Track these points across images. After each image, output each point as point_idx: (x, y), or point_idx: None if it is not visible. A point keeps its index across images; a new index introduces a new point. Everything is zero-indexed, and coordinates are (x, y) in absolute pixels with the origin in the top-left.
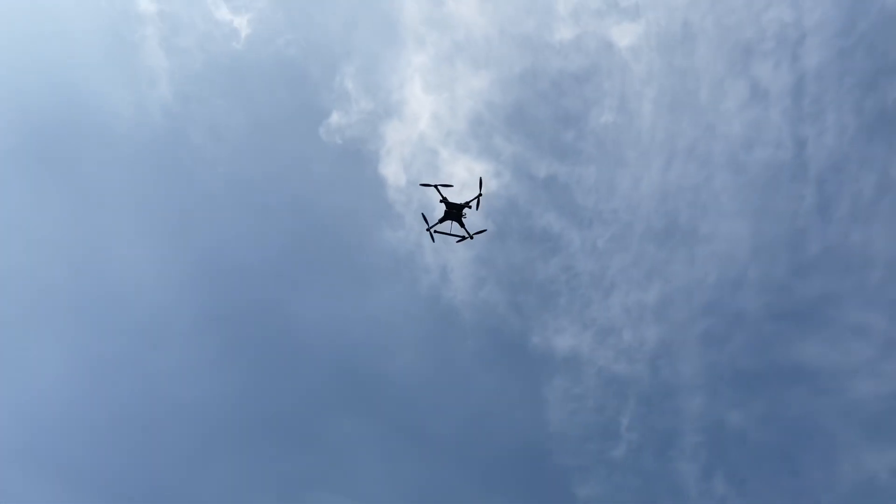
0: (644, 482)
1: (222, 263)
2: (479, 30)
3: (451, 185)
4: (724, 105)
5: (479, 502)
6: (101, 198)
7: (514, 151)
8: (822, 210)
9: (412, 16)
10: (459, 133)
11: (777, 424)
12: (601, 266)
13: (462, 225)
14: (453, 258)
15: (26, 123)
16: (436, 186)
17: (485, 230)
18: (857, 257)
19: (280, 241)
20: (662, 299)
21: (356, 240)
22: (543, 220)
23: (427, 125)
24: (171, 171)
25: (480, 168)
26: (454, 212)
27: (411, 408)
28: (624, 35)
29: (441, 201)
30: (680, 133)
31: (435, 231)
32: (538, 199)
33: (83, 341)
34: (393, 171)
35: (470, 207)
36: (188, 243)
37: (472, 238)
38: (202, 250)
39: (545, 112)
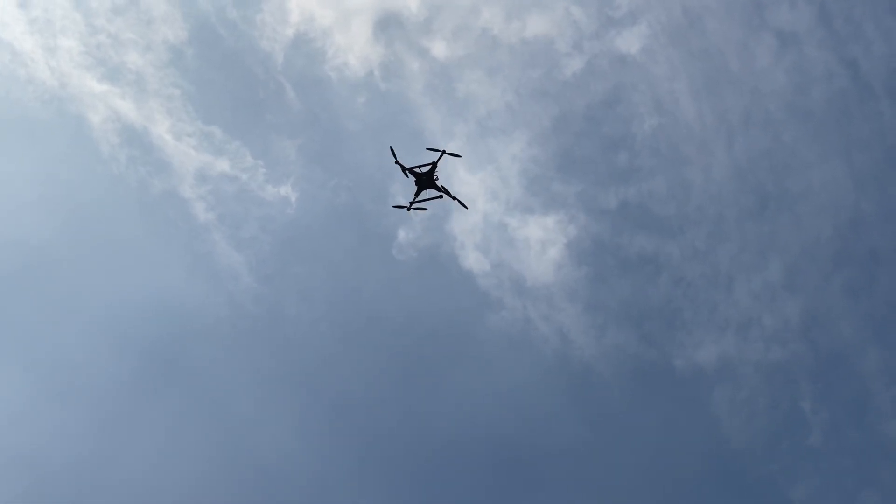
0: (855, 458)
1: (361, 409)
2: (496, 100)
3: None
4: (758, 64)
5: None
6: (232, 391)
7: (576, 192)
8: None
9: (433, 117)
10: (518, 198)
11: None
12: (711, 265)
13: (437, 188)
14: (565, 319)
15: (142, 349)
16: (397, 162)
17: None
18: None
19: (398, 363)
20: (788, 271)
21: (468, 336)
22: (635, 246)
23: (486, 205)
24: (280, 348)
25: (552, 221)
26: (424, 179)
27: (588, 476)
28: (631, 43)
29: (405, 171)
30: (728, 108)
31: (416, 207)
32: (620, 228)
33: None
34: (474, 260)
35: (440, 198)
36: (328, 400)
37: (453, 198)
38: (339, 403)
39: (591, 147)
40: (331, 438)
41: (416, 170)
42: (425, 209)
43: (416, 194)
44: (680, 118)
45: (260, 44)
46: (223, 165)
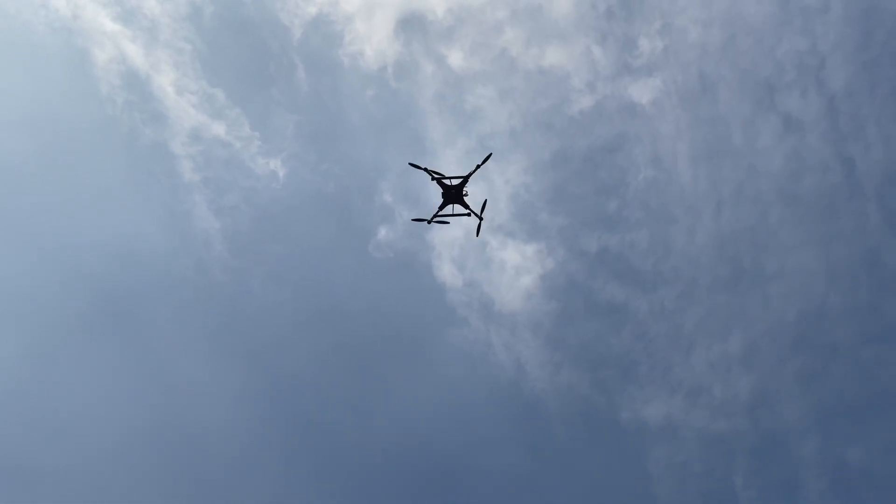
0: None
1: (304, 396)
2: (501, 120)
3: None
4: (760, 143)
5: None
6: (180, 351)
7: (560, 228)
8: (891, 223)
9: (437, 125)
10: (503, 221)
11: None
12: (675, 326)
13: (466, 205)
14: (525, 350)
15: (98, 291)
16: (425, 169)
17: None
18: None
19: (352, 358)
20: (747, 346)
21: (426, 346)
22: (606, 293)
23: (470, 220)
24: (238, 324)
25: (531, 250)
26: (453, 192)
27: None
28: (643, 93)
29: (434, 180)
30: (723, 179)
31: (437, 220)
32: (596, 272)
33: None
34: (448, 273)
35: (467, 181)
36: (269, 381)
37: (481, 218)
38: (283, 387)
39: (584, 188)
40: (267, 416)
41: (445, 181)
42: (447, 222)
43: (441, 207)
44: (675, 178)
45: (280, 16)
46: (219, 129)
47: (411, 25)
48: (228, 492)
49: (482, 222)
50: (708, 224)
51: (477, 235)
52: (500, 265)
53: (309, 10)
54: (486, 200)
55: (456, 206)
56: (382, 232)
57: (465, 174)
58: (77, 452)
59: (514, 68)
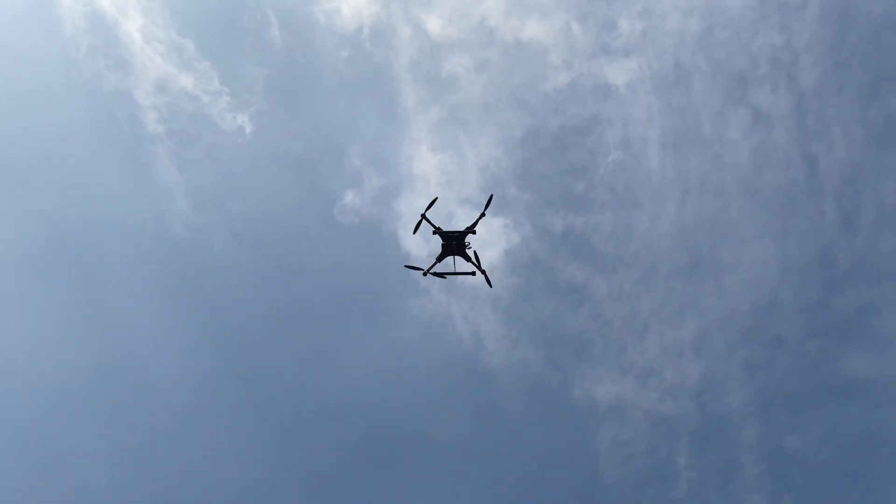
0: None
1: (257, 353)
2: (476, 91)
3: (435, 199)
4: (728, 135)
5: None
6: (134, 301)
7: (528, 205)
8: (846, 223)
9: (410, 92)
10: (471, 193)
11: (838, 442)
12: (631, 309)
13: (468, 258)
14: (483, 323)
15: (52, 238)
16: (424, 217)
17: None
18: (891, 264)
19: (309, 320)
20: (698, 333)
21: (385, 314)
22: (567, 273)
23: (438, 190)
24: (196, 279)
25: (497, 224)
26: (454, 244)
27: (458, 475)
28: (618, 74)
29: (435, 233)
30: (689, 168)
31: (434, 273)
32: (558, 252)
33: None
34: (413, 243)
35: (474, 233)
36: (222, 342)
37: (485, 275)
38: (237, 342)
39: (553, 167)
40: (219, 370)
41: (446, 232)
42: (444, 277)
43: (440, 259)
44: (643, 163)
45: None
46: (187, 81)
47: None
48: (175, 443)
49: (486, 274)
50: (671, 211)
51: (490, 287)
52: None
53: None
54: (491, 196)
55: (457, 258)
56: (349, 196)
57: (462, 228)
58: (22, 396)
59: (492, 39)
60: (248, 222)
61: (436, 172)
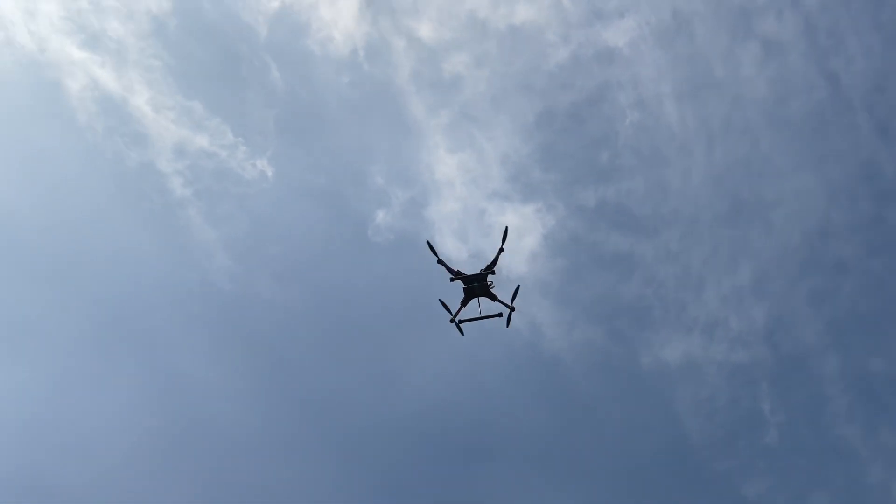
0: (809, 459)
1: (325, 385)
2: (481, 85)
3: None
4: (742, 72)
5: None
6: (194, 361)
7: (556, 185)
8: (882, 132)
9: (417, 102)
10: (497, 186)
11: None
12: (682, 267)
13: (494, 297)
14: (537, 311)
15: (105, 312)
16: (439, 261)
17: (517, 286)
18: None
19: (367, 342)
20: (756, 276)
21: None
22: (610, 244)
23: (464, 189)
24: (249, 326)
25: (530, 210)
26: (476, 286)
27: (547, 463)
28: (618, 36)
29: (453, 279)
30: (710, 114)
31: (462, 321)
32: (597, 225)
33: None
34: (452, 247)
35: (493, 273)
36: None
37: (513, 309)
38: (303, 380)
39: (573, 143)
40: (291, 410)
41: (466, 276)
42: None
43: (464, 304)
44: (662, 120)
45: (243, 16)
46: (202, 141)
47: (375, 3)
48: (253, 487)
49: (513, 312)
50: (701, 161)
51: (507, 326)
52: (501, 230)
53: (271, 4)
54: (506, 228)
55: (482, 298)
56: (380, 215)
57: (480, 269)
58: (100, 465)
59: (485, 31)
60: (289, 262)
61: (458, 173)
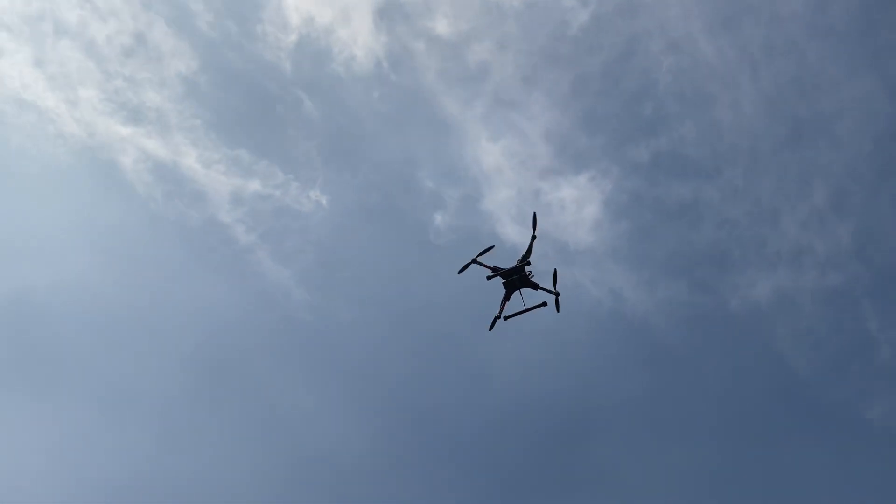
0: None
1: (427, 395)
2: (509, 68)
3: (491, 247)
4: None
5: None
6: (298, 399)
7: (605, 149)
8: None
9: (448, 99)
10: (547, 162)
11: None
12: (753, 201)
13: (536, 286)
14: (614, 278)
15: (206, 366)
16: (475, 261)
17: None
18: None
19: (455, 344)
20: (832, 193)
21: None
22: (673, 195)
23: (515, 174)
24: (337, 351)
25: (585, 180)
26: (516, 278)
27: (662, 426)
28: None
29: (490, 277)
30: (747, 39)
31: (508, 317)
32: (656, 179)
33: None
34: (514, 233)
35: (529, 263)
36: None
37: (557, 294)
38: (407, 393)
39: (614, 103)
40: (402, 423)
41: (503, 271)
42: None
43: (507, 297)
44: (699, 57)
45: (266, 56)
46: (255, 185)
47: (388, 12)
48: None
49: (559, 297)
50: (749, 89)
51: (558, 311)
52: (560, 205)
53: (289, 39)
54: (534, 214)
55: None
56: (438, 218)
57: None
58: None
59: (501, 12)
60: (361, 282)
61: (504, 159)
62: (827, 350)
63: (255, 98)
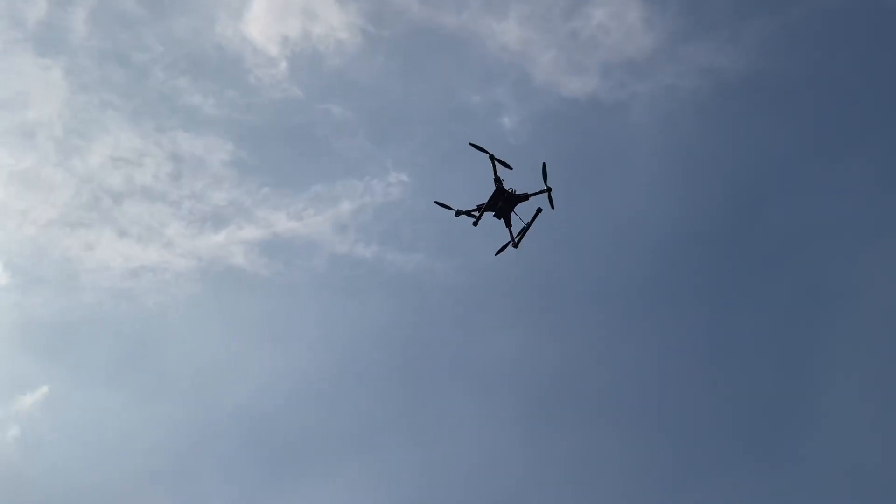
0: None
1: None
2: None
3: (510, 167)
4: None
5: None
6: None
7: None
8: None
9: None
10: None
11: None
12: None
13: (525, 196)
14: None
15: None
16: (492, 157)
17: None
18: None
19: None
20: None
21: None
22: None
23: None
24: (478, 321)
25: None
26: (507, 207)
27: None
28: None
29: (476, 222)
30: None
31: (468, 213)
32: None
33: None
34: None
35: (541, 211)
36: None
37: (549, 189)
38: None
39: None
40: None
41: (483, 204)
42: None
43: (485, 209)
44: None
45: (274, 95)
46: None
47: None
48: None
49: (550, 192)
50: None
51: (553, 208)
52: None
53: (280, 67)
54: (543, 164)
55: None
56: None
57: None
58: None
59: None
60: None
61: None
62: None
63: (293, 137)
